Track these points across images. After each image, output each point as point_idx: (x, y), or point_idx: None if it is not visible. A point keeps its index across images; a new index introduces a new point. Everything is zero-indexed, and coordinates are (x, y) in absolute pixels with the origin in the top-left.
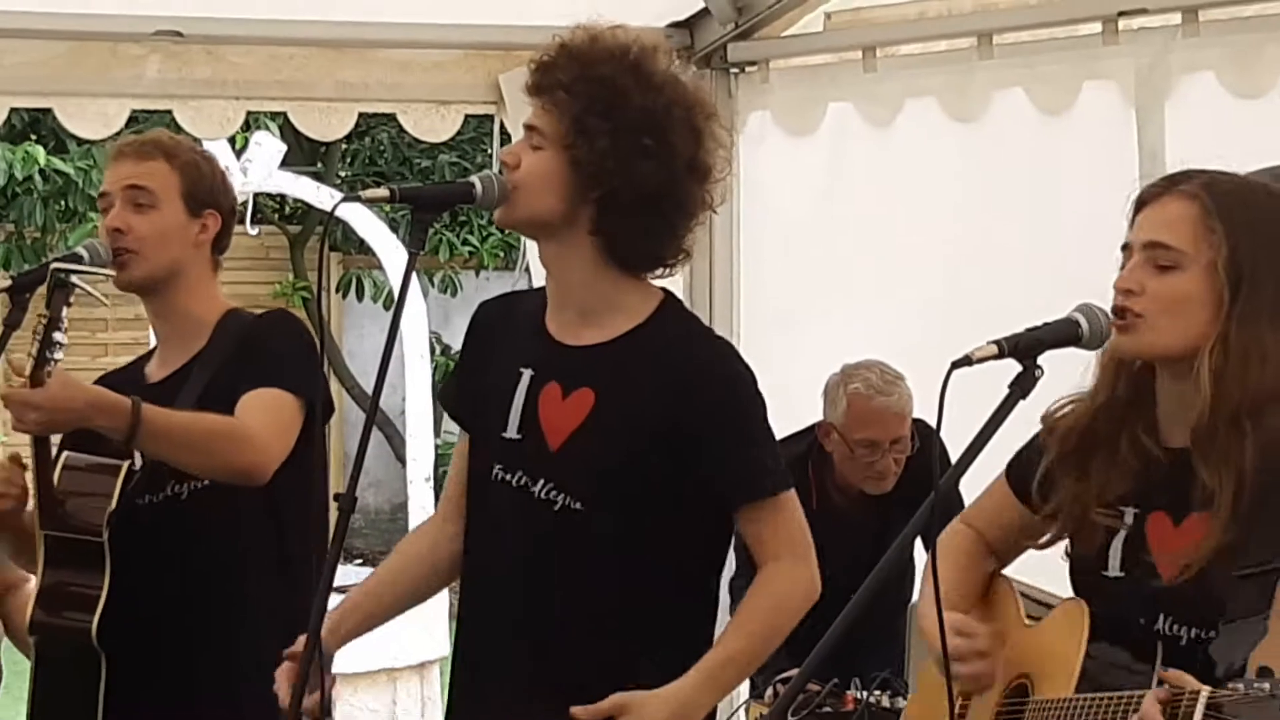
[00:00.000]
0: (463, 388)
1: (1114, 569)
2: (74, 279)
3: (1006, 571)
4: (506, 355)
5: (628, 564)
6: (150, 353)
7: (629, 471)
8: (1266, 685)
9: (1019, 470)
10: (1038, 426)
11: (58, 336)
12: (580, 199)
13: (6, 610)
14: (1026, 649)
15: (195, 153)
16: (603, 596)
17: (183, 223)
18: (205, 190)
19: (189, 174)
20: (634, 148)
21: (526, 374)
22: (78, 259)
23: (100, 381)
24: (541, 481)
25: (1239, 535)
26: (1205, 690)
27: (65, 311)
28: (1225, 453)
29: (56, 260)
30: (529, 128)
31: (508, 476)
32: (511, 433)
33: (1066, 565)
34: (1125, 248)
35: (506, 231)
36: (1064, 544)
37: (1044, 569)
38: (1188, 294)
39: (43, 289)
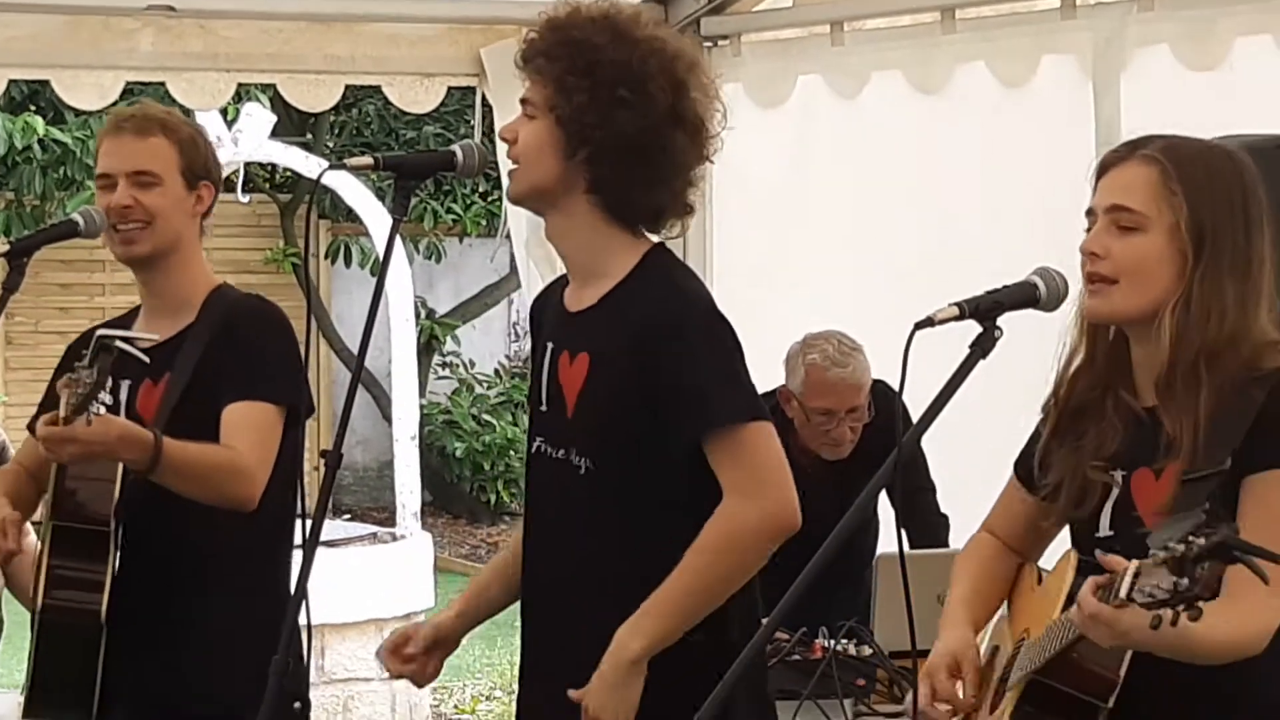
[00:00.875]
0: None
1: (1104, 529)
2: (118, 344)
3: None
4: (541, 335)
5: (638, 517)
6: (134, 311)
7: (626, 427)
8: (1179, 545)
9: (1024, 462)
10: (1000, 387)
11: (103, 396)
12: (572, 159)
13: (11, 568)
14: (1032, 607)
15: (189, 127)
16: (616, 551)
17: (182, 197)
18: (201, 164)
19: (186, 150)
20: (611, 99)
21: (549, 347)
22: (74, 225)
23: (86, 337)
24: (568, 447)
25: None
26: (1134, 564)
27: (110, 380)
28: (1184, 402)
29: (104, 331)
30: (522, 101)
31: (546, 448)
32: (543, 405)
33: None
34: (1090, 213)
35: (489, 200)
36: None
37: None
38: (1151, 255)
39: (86, 352)
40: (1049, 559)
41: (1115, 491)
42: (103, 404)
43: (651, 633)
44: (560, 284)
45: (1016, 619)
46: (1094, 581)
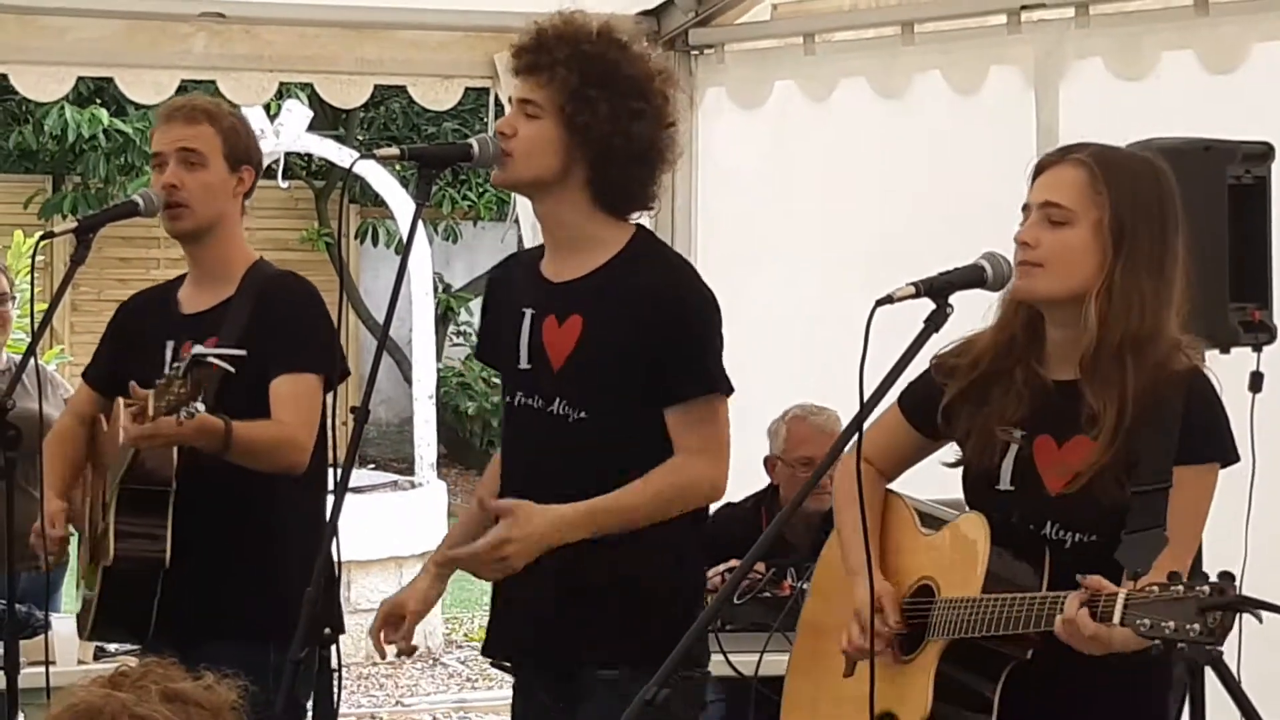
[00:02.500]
0: (488, 338)
1: (1005, 483)
2: (210, 359)
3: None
4: (513, 302)
5: (630, 460)
6: (179, 280)
7: (618, 381)
8: (1178, 587)
9: (911, 400)
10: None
11: (198, 405)
12: (576, 158)
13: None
14: (927, 555)
15: (233, 116)
16: (600, 491)
17: (225, 178)
18: (243, 149)
19: (229, 136)
20: (628, 111)
21: (528, 312)
22: (134, 205)
23: (135, 299)
24: (557, 400)
25: (1120, 453)
26: (1124, 590)
27: (201, 390)
28: (1108, 380)
29: (198, 349)
30: (524, 101)
31: (527, 400)
32: (524, 363)
33: (960, 480)
34: (1025, 208)
35: (492, 181)
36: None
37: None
38: (1076, 246)
39: (180, 365)
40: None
41: (1014, 449)
42: (192, 413)
43: (579, 537)
44: (521, 261)
45: (905, 559)
46: (1079, 599)
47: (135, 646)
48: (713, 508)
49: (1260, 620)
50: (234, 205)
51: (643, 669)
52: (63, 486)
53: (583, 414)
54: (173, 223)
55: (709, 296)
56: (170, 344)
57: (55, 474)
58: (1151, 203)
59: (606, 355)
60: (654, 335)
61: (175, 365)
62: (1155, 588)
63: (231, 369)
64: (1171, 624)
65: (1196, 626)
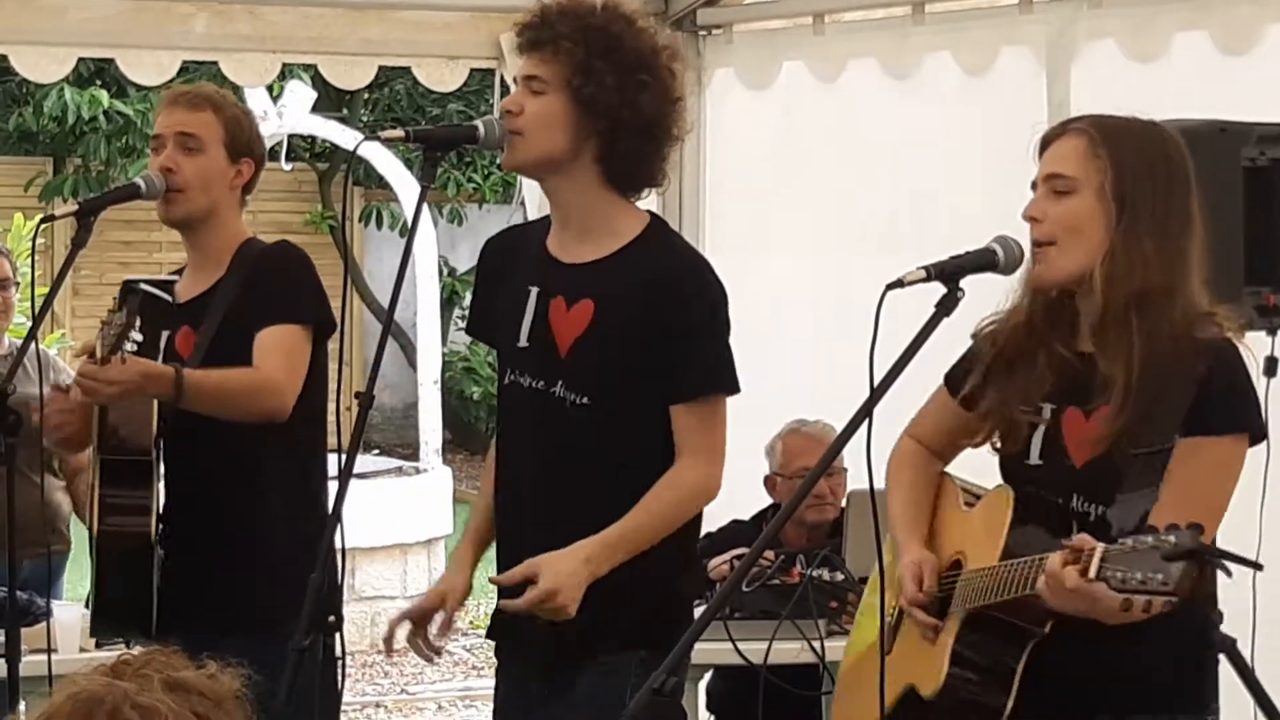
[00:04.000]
0: (482, 312)
1: (1034, 458)
2: (143, 287)
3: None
4: (515, 278)
5: (630, 448)
6: (182, 269)
7: (626, 369)
8: (1149, 538)
9: (956, 378)
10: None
11: (134, 335)
12: (586, 133)
13: (77, 489)
14: (962, 530)
15: (237, 108)
16: (610, 478)
17: (222, 168)
18: (244, 141)
19: (231, 126)
20: (635, 82)
21: (533, 291)
22: (136, 188)
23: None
24: (559, 382)
25: (1132, 418)
26: (1101, 546)
27: (138, 319)
28: (1116, 344)
29: (131, 277)
30: (529, 78)
31: (522, 380)
32: (522, 341)
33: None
34: (1033, 185)
35: (501, 165)
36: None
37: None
38: (1082, 213)
39: (115, 297)
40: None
41: (1043, 426)
42: (135, 342)
43: (610, 563)
44: (524, 235)
45: (945, 536)
46: (1063, 557)
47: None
48: (719, 522)
49: (1229, 574)
50: (230, 197)
51: (632, 651)
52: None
53: (585, 399)
54: (165, 207)
55: (723, 292)
56: (165, 334)
57: None
58: (1155, 162)
59: (615, 342)
60: (665, 327)
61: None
62: (1131, 540)
63: (167, 296)
64: (1139, 575)
65: (1160, 576)
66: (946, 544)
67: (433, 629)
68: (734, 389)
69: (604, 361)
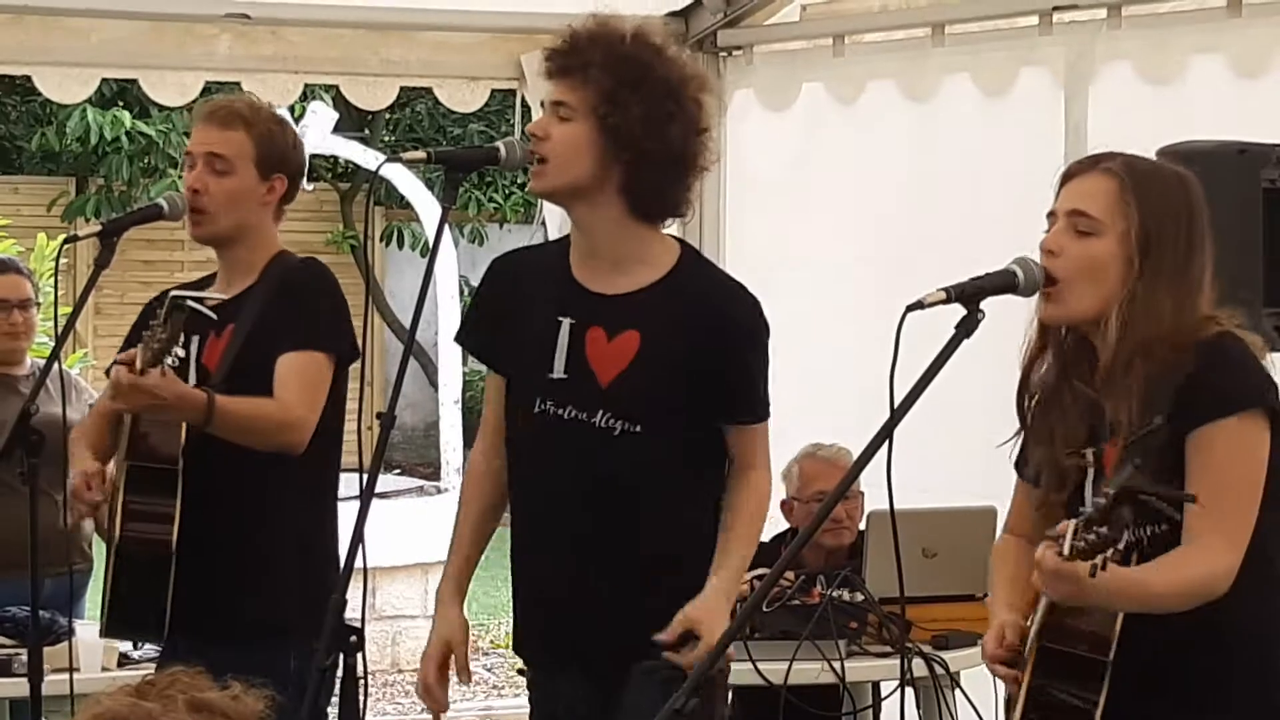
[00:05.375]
0: (489, 334)
1: (1089, 505)
2: (189, 303)
3: None
4: (539, 305)
5: (683, 476)
6: (211, 276)
7: (676, 398)
8: (1099, 499)
9: (1020, 463)
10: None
11: (177, 350)
12: (611, 162)
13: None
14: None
15: (272, 121)
16: (650, 503)
17: (253, 186)
18: (277, 156)
19: (263, 142)
20: (662, 114)
21: (566, 322)
22: (159, 209)
23: (162, 297)
24: (600, 413)
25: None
26: (1071, 522)
27: (182, 335)
28: (1121, 387)
29: (177, 292)
30: (557, 103)
31: (558, 411)
32: (558, 373)
33: None
34: (1051, 214)
35: (526, 190)
36: None
37: None
38: (1102, 257)
39: (162, 311)
40: None
41: (1090, 470)
42: (177, 357)
43: (740, 584)
44: (540, 258)
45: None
46: (1045, 543)
47: (155, 650)
48: None
49: (1170, 512)
50: (261, 213)
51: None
52: (97, 451)
53: (637, 428)
54: (192, 228)
55: (764, 320)
56: (196, 338)
57: (87, 441)
58: (1180, 216)
59: (663, 372)
60: (712, 356)
61: (158, 312)
62: (1089, 508)
63: (211, 314)
64: (1091, 536)
65: (1106, 530)
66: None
67: (452, 679)
68: (769, 415)
69: (653, 390)
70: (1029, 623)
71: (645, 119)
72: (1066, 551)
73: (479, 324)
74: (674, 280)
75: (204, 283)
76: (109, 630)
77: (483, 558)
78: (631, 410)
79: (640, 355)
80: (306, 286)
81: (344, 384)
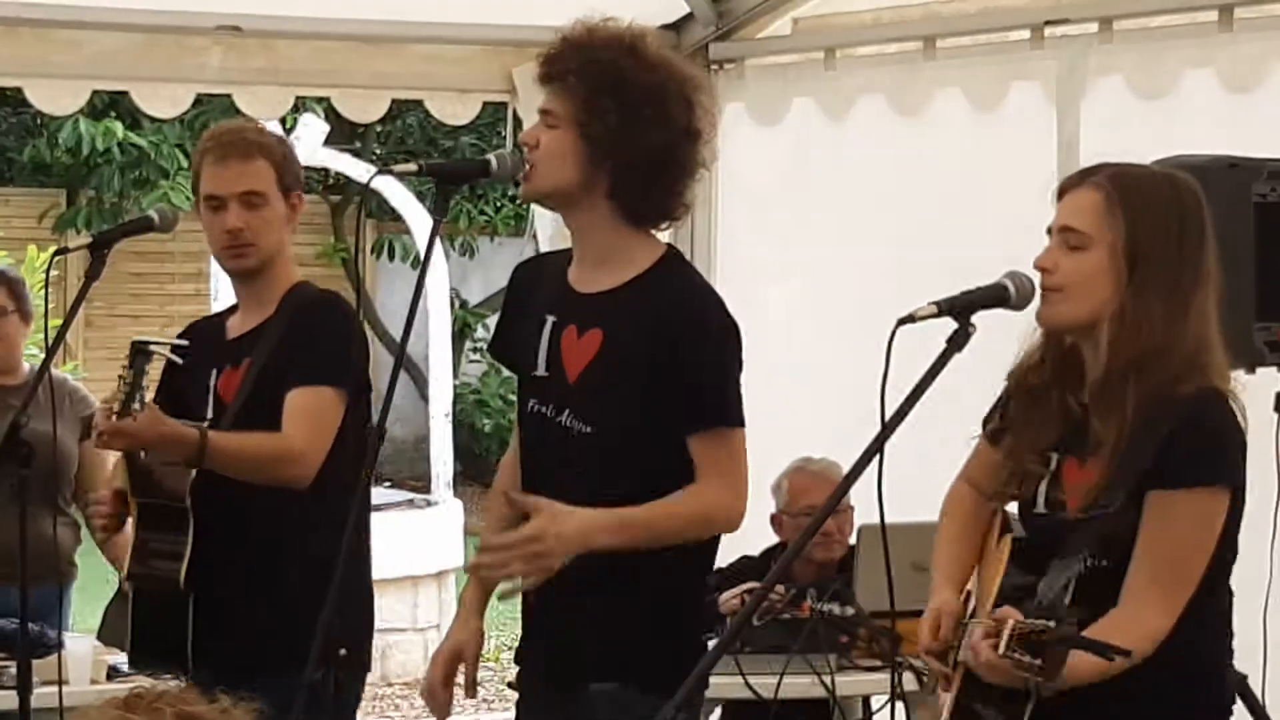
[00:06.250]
0: (505, 337)
1: (1040, 506)
2: (152, 348)
3: None
4: (535, 306)
5: (632, 478)
6: (232, 309)
7: (630, 399)
8: (1049, 621)
9: (990, 421)
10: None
11: (142, 394)
12: (596, 168)
13: (112, 543)
14: (985, 571)
15: (279, 144)
16: (611, 505)
17: (283, 210)
18: (292, 176)
19: (281, 167)
20: (639, 120)
21: (550, 319)
22: (150, 221)
23: (190, 329)
24: (566, 411)
25: (1118, 477)
26: (1013, 621)
27: (145, 375)
28: (1111, 403)
29: (138, 338)
30: (544, 112)
31: (541, 408)
32: (541, 370)
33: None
34: (1049, 231)
35: (518, 203)
36: None
37: None
38: (1092, 270)
39: (125, 357)
40: None
41: (1048, 474)
42: (142, 401)
43: (609, 544)
44: (550, 263)
45: (982, 575)
46: (984, 631)
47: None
48: (729, 558)
49: (1109, 659)
50: (287, 235)
51: (639, 684)
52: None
53: (589, 429)
54: (238, 261)
55: (732, 325)
56: (214, 371)
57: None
58: (1170, 219)
59: (621, 372)
60: (672, 358)
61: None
62: (1040, 622)
63: (177, 359)
64: (1027, 657)
65: (1039, 662)
66: (981, 585)
67: (458, 690)
68: (738, 421)
69: (609, 391)
70: (964, 595)
71: (622, 125)
72: (1001, 651)
73: (501, 333)
74: (645, 280)
75: (226, 313)
76: (135, 662)
77: None
78: (588, 410)
79: (601, 353)
80: (317, 321)
81: (363, 413)
